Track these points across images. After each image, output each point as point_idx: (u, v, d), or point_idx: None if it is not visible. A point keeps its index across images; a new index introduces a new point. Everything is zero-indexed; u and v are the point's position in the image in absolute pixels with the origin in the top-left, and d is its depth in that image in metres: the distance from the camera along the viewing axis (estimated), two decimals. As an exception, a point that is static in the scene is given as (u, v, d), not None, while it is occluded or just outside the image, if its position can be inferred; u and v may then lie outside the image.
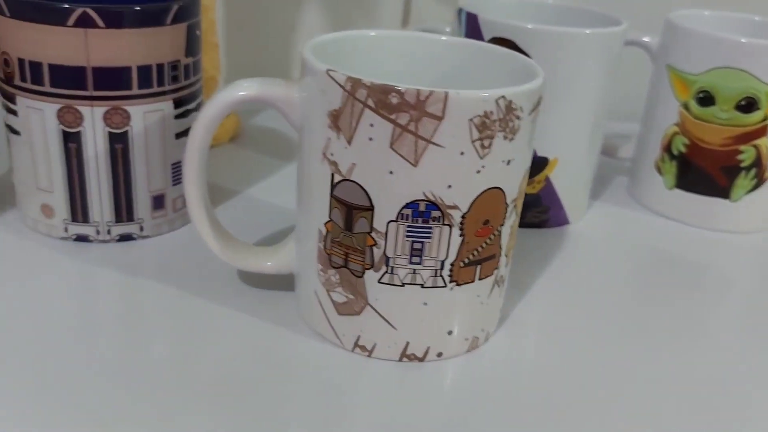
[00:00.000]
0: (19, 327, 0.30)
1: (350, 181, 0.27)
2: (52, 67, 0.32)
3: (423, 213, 0.27)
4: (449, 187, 0.26)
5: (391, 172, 0.26)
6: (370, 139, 0.26)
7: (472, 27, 0.39)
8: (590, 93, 0.39)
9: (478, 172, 0.26)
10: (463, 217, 0.27)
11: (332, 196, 0.28)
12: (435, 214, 0.27)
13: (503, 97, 0.25)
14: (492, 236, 0.28)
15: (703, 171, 0.43)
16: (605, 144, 0.46)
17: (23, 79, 0.33)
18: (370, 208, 0.27)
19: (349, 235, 0.28)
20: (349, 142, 0.26)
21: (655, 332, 0.33)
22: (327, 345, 0.30)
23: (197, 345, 0.30)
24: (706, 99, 0.41)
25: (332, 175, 0.27)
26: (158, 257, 0.35)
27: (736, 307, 0.36)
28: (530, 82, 0.27)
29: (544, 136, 0.38)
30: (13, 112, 0.34)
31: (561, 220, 0.42)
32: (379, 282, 0.28)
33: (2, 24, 0.33)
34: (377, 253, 0.28)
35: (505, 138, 0.26)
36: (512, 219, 0.29)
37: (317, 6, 0.60)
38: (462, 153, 0.26)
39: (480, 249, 0.28)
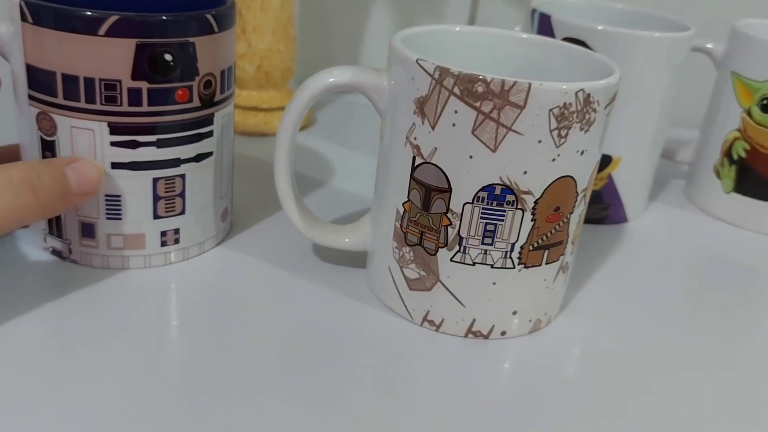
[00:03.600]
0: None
1: (431, 164, 0.29)
2: None
3: (498, 196, 0.28)
4: (525, 173, 0.28)
5: (470, 157, 0.28)
6: (454, 125, 0.28)
7: (544, 27, 0.41)
8: (656, 94, 0.40)
9: (553, 160, 0.28)
10: (535, 202, 0.29)
11: (412, 177, 0.30)
12: (509, 198, 0.28)
13: (582, 90, 0.27)
14: (561, 223, 0.30)
15: (761, 176, 0.44)
16: (664, 147, 0.47)
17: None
18: (448, 190, 0.29)
19: (426, 215, 0.30)
20: (433, 128, 0.28)
21: (707, 331, 0.34)
22: (397, 318, 0.32)
23: (280, 312, 0.32)
24: (769, 106, 0.42)
25: (414, 158, 0.29)
26: (252, 239, 0.37)
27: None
28: (607, 78, 0.28)
29: (609, 134, 0.39)
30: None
31: (620, 218, 0.44)
32: (451, 260, 0.30)
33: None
34: (451, 232, 0.29)
35: (581, 129, 0.28)
36: (581, 208, 0.30)
37: (384, 4, 0.62)
38: (539, 141, 0.27)
39: (549, 234, 0.30)
